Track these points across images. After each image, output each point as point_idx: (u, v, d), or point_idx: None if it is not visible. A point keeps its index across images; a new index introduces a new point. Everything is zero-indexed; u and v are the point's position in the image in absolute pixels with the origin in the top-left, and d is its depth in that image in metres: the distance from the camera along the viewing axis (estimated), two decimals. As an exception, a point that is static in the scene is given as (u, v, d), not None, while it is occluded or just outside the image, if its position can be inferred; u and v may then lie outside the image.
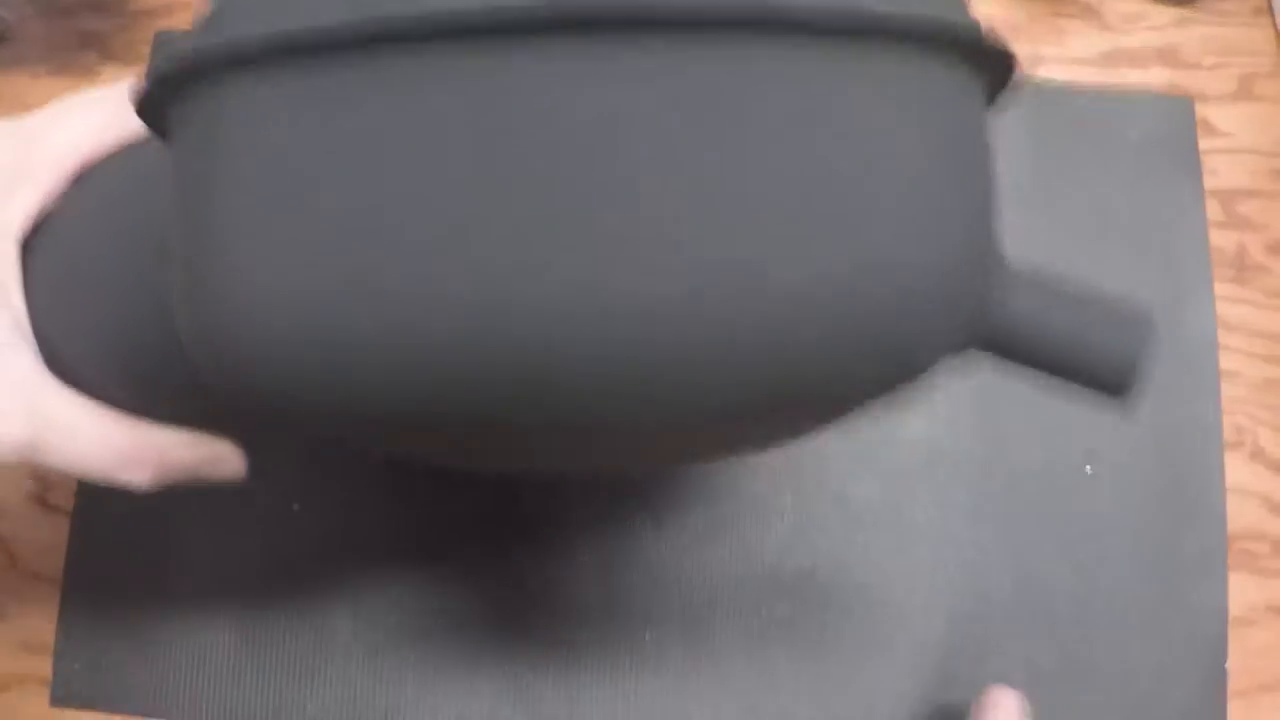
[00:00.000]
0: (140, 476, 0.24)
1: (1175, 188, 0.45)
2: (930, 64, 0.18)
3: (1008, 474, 0.41)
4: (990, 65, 0.20)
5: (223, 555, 0.39)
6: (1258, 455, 0.42)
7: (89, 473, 0.23)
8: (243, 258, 0.17)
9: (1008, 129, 0.45)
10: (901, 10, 0.17)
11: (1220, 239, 0.45)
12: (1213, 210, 0.45)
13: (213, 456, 0.26)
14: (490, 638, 0.38)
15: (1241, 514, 0.42)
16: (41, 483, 0.40)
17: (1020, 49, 0.47)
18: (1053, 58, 0.47)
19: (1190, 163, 0.45)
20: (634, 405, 0.16)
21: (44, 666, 0.39)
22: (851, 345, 0.17)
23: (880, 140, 0.17)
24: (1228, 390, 0.43)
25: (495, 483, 0.39)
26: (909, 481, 0.41)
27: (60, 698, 0.38)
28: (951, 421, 0.41)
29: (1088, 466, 0.41)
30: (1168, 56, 0.47)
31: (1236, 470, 0.42)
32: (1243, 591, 0.41)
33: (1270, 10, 0.48)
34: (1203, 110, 0.46)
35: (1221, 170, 0.46)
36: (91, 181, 0.25)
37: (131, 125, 0.24)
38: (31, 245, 0.24)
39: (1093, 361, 0.21)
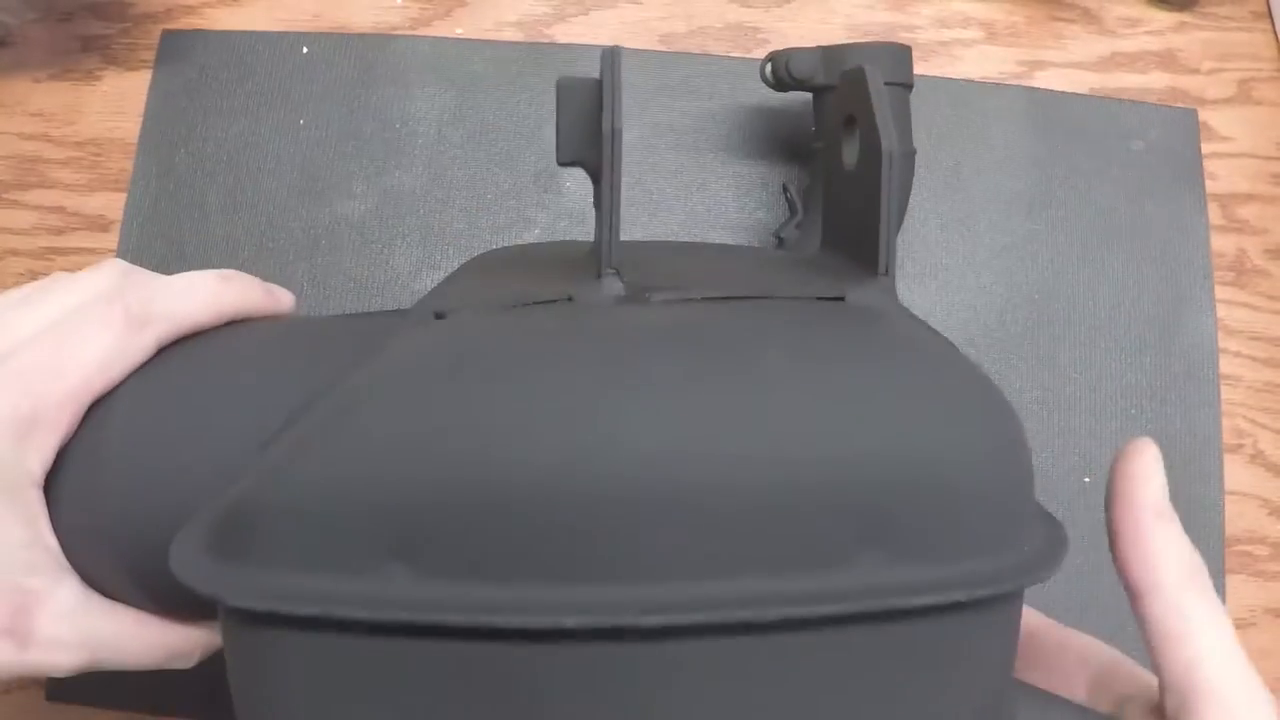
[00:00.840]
0: (186, 664, 0.26)
1: (1178, 198, 0.45)
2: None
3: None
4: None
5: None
6: (1257, 458, 0.43)
7: (143, 669, 0.25)
8: None
9: (1013, 136, 0.45)
10: (990, 589, 0.18)
11: (1220, 243, 0.45)
12: (1212, 214, 0.45)
13: None
14: None
15: (1241, 517, 0.42)
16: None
17: (1019, 53, 0.47)
18: (1052, 62, 0.47)
19: (1194, 174, 0.45)
20: None
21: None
22: None
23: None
24: (1227, 394, 0.43)
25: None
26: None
27: (56, 693, 0.38)
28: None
29: (1086, 477, 0.41)
30: (1167, 61, 0.47)
31: (1236, 473, 0.42)
32: (1242, 594, 0.41)
33: (1269, 15, 0.48)
34: (1202, 114, 0.46)
35: (1221, 174, 0.46)
36: (105, 411, 0.24)
37: (133, 356, 0.24)
38: (51, 480, 0.24)
39: None
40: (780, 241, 0.39)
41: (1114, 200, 0.45)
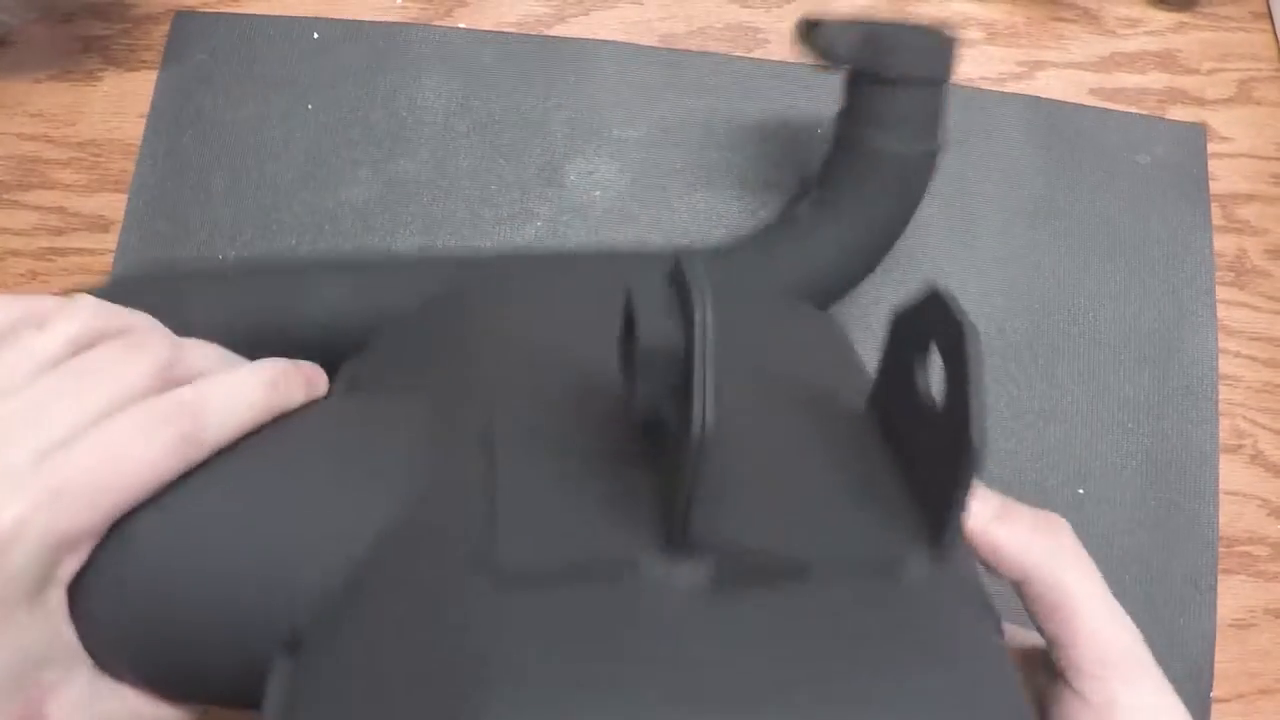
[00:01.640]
0: None
1: (1183, 214, 0.45)
2: None
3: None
4: None
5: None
6: (1257, 459, 0.43)
7: None
8: None
9: (1018, 146, 0.45)
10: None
11: (1220, 243, 0.45)
12: (1213, 214, 0.45)
13: None
14: None
15: (1241, 517, 0.42)
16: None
17: (1019, 53, 0.47)
18: (1052, 62, 0.47)
19: (1199, 190, 0.45)
20: None
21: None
22: None
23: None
24: (1227, 394, 0.43)
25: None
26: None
27: None
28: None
29: (1080, 488, 0.41)
30: (1166, 61, 0.47)
31: (1235, 474, 0.42)
32: (1242, 594, 0.41)
33: (1269, 15, 0.48)
34: (1202, 115, 0.46)
35: (1221, 175, 0.46)
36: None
37: (180, 472, 0.23)
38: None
39: None
40: (793, 218, 0.37)
41: (1118, 213, 0.45)
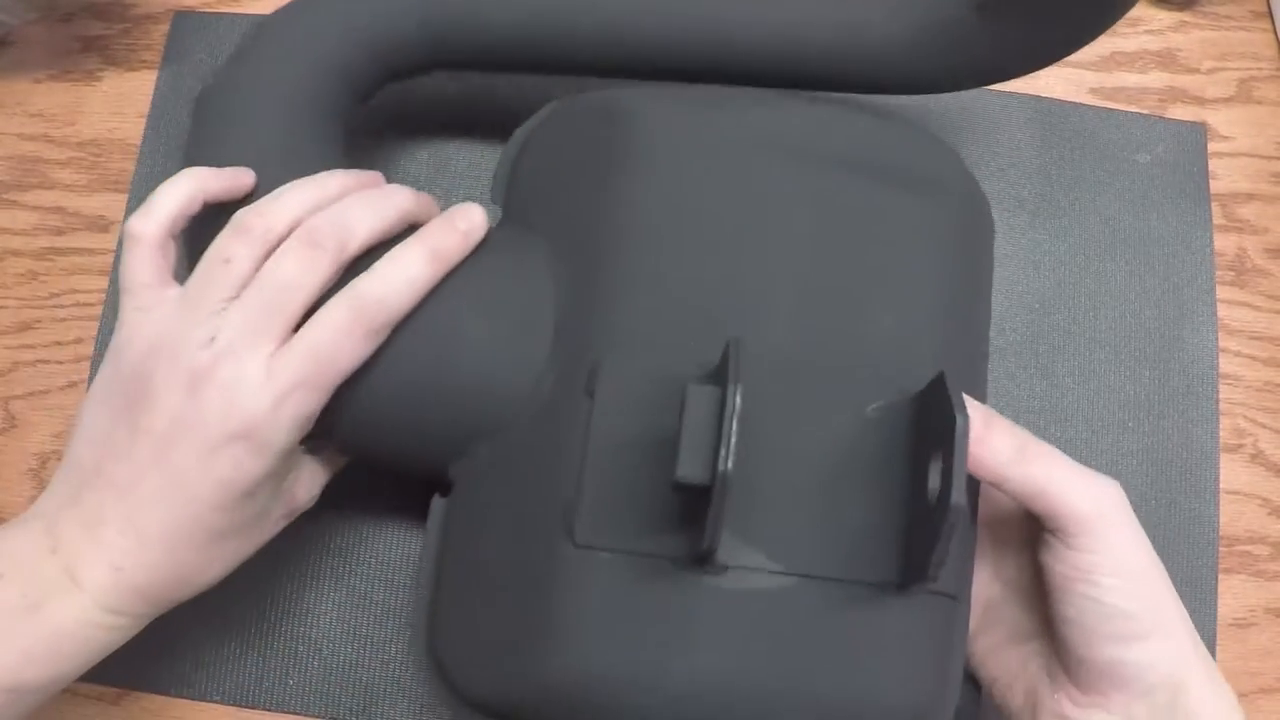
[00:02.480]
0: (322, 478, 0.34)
1: (1183, 213, 0.45)
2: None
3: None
4: None
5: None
6: (1257, 458, 0.43)
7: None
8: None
9: (1018, 145, 0.45)
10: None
11: (1220, 243, 0.45)
12: (1213, 214, 0.45)
13: None
14: None
15: (1241, 517, 0.42)
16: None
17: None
18: (1052, 61, 0.47)
19: (1199, 189, 0.45)
20: None
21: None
22: None
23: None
24: (1227, 393, 0.43)
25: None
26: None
27: None
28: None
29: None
30: (1167, 60, 0.47)
31: (1236, 473, 0.42)
32: (1242, 594, 0.41)
33: (1269, 14, 0.48)
34: (1202, 114, 0.46)
35: (1221, 174, 0.46)
36: None
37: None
38: None
39: None
40: (983, 6, 0.33)
41: (1118, 212, 0.45)
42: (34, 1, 0.44)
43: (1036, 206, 0.44)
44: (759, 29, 0.34)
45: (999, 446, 0.28)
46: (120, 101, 0.45)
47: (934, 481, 0.25)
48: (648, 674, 0.26)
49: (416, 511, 0.40)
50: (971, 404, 0.28)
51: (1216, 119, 0.46)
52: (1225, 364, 0.43)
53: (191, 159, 0.33)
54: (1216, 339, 0.43)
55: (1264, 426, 0.43)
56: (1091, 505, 0.28)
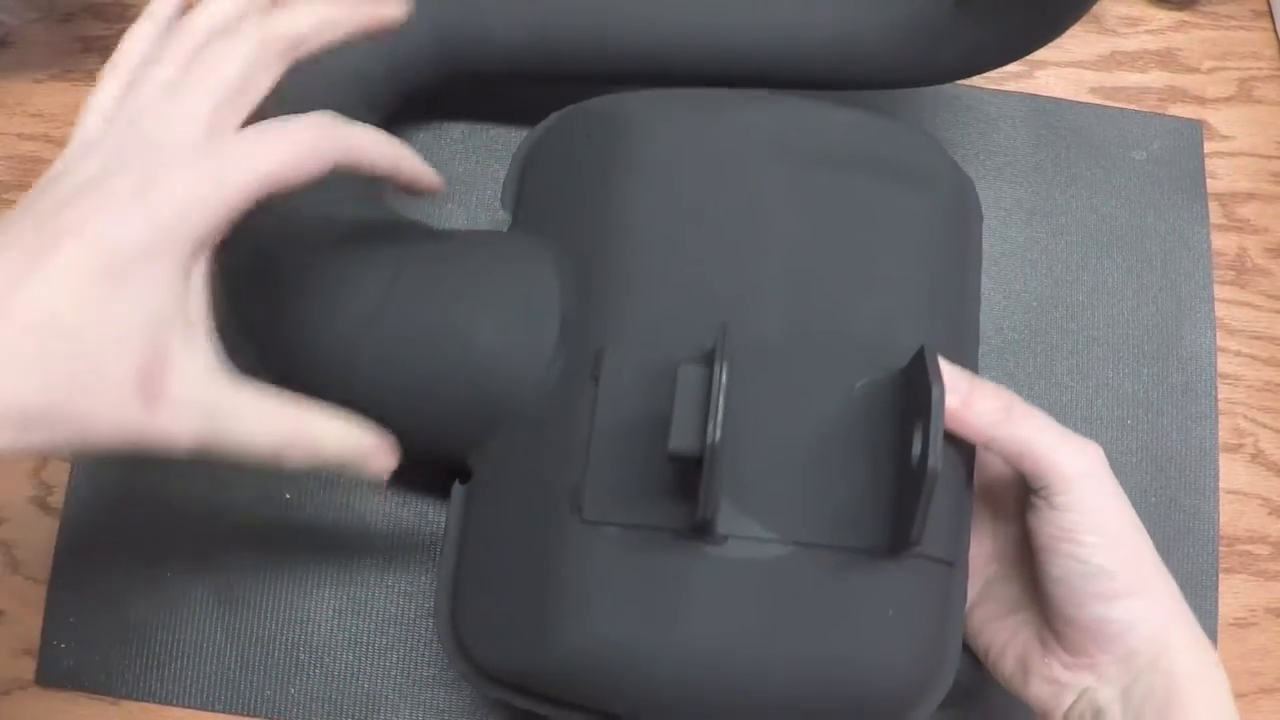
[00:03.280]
0: (296, 459, 0.27)
1: (1180, 210, 0.45)
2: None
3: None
4: None
5: (213, 540, 0.40)
6: (1258, 458, 0.42)
7: (256, 456, 0.26)
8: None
9: (1014, 143, 0.45)
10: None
11: (1220, 242, 0.45)
12: (1213, 213, 0.45)
13: (362, 450, 0.28)
14: None
15: (1241, 516, 0.42)
16: (44, 486, 0.40)
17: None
18: (1052, 61, 0.47)
19: (1196, 186, 0.45)
20: None
21: (45, 670, 0.39)
22: None
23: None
24: (1228, 393, 0.43)
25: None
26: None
27: (47, 679, 0.39)
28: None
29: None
30: (1167, 60, 0.47)
31: (1236, 473, 0.42)
32: (1242, 594, 0.41)
33: (1270, 13, 0.48)
34: (1202, 113, 0.46)
35: (1221, 173, 0.46)
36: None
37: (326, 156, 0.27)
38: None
39: None
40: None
41: (1115, 210, 0.44)
42: (34, 1, 0.44)
43: (1033, 205, 0.44)
44: (749, 32, 0.36)
45: (983, 409, 0.29)
46: (120, 101, 0.45)
47: (916, 448, 0.27)
48: (654, 639, 0.28)
49: (418, 521, 0.40)
50: (956, 371, 0.30)
51: (1217, 118, 0.46)
52: (1226, 364, 0.43)
53: None
54: (1215, 335, 0.43)
55: (1264, 426, 0.43)
56: (1073, 464, 0.29)
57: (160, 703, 0.38)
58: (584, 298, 0.31)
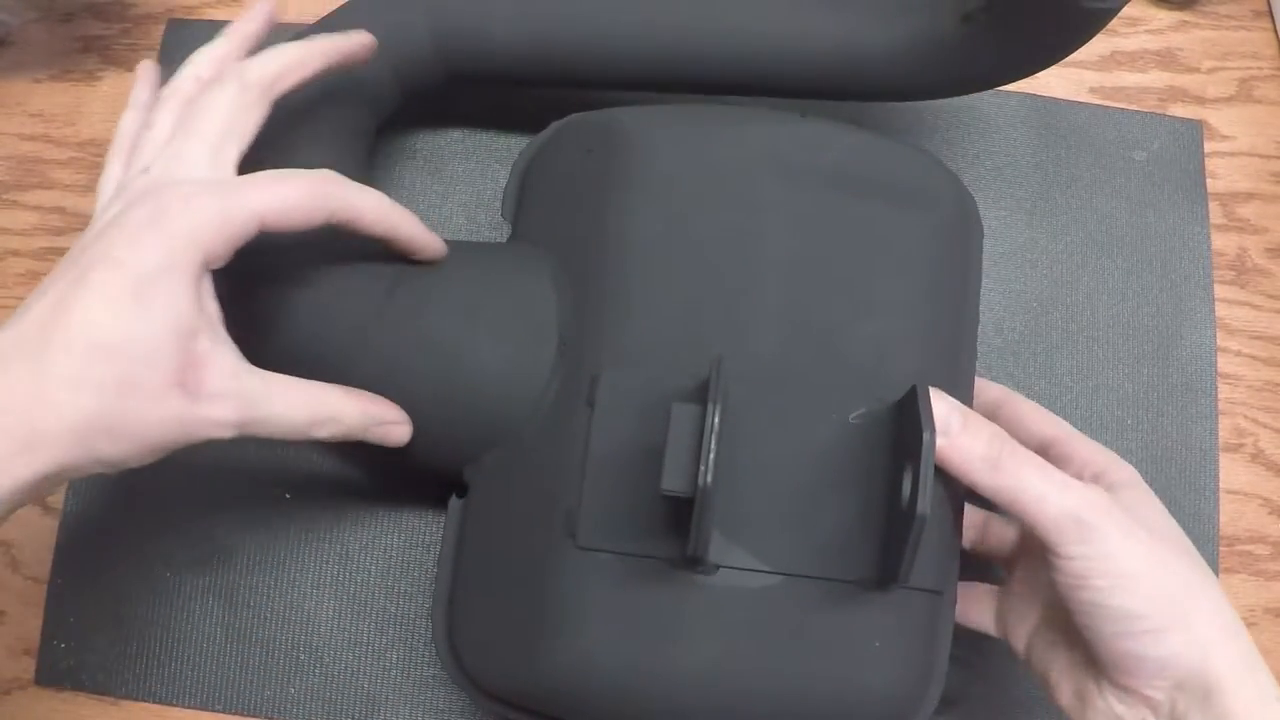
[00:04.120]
0: (324, 432, 0.30)
1: (1180, 210, 0.45)
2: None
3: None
4: None
5: (212, 540, 0.40)
6: (1258, 457, 0.42)
7: (289, 435, 0.29)
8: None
9: (1014, 143, 0.45)
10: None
11: (1221, 242, 0.45)
12: (1213, 213, 0.45)
13: (382, 417, 0.31)
14: None
15: (1241, 516, 0.42)
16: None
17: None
18: (1052, 61, 0.47)
19: (1196, 186, 0.45)
20: None
21: (45, 670, 0.39)
22: None
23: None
24: (1228, 393, 0.43)
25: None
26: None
27: (46, 679, 0.39)
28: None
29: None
30: (1167, 60, 0.47)
31: (1236, 472, 0.42)
32: (1242, 594, 0.41)
33: (1270, 13, 0.48)
34: (1202, 113, 0.46)
35: (1221, 173, 0.46)
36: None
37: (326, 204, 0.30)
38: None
39: None
40: (968, 18, 0.34)
41: (1115, 210, 0.44)
42: (34, 1, 0.44)
43: (1033, 205, 0.44)
44: (751, 42, 0.36)
45: (971, 454, 0.29)
46: (120, 102, 0.44)
47: (906, 490, 0.27)
48: (644, 664, 0.28)
49: (417, 520, 0.40)
50: (951, 406, 0.29)
51: (1217, 118, 0.46)
52: (1226, 364, 0.43)
53: None
54: (1215, 335, 0.43)
55: (1264, 426, 0.43)
56: (1066, 516, 0.28)
57: (160, 702, 0.39)
58: (582, 317, 0.31)
